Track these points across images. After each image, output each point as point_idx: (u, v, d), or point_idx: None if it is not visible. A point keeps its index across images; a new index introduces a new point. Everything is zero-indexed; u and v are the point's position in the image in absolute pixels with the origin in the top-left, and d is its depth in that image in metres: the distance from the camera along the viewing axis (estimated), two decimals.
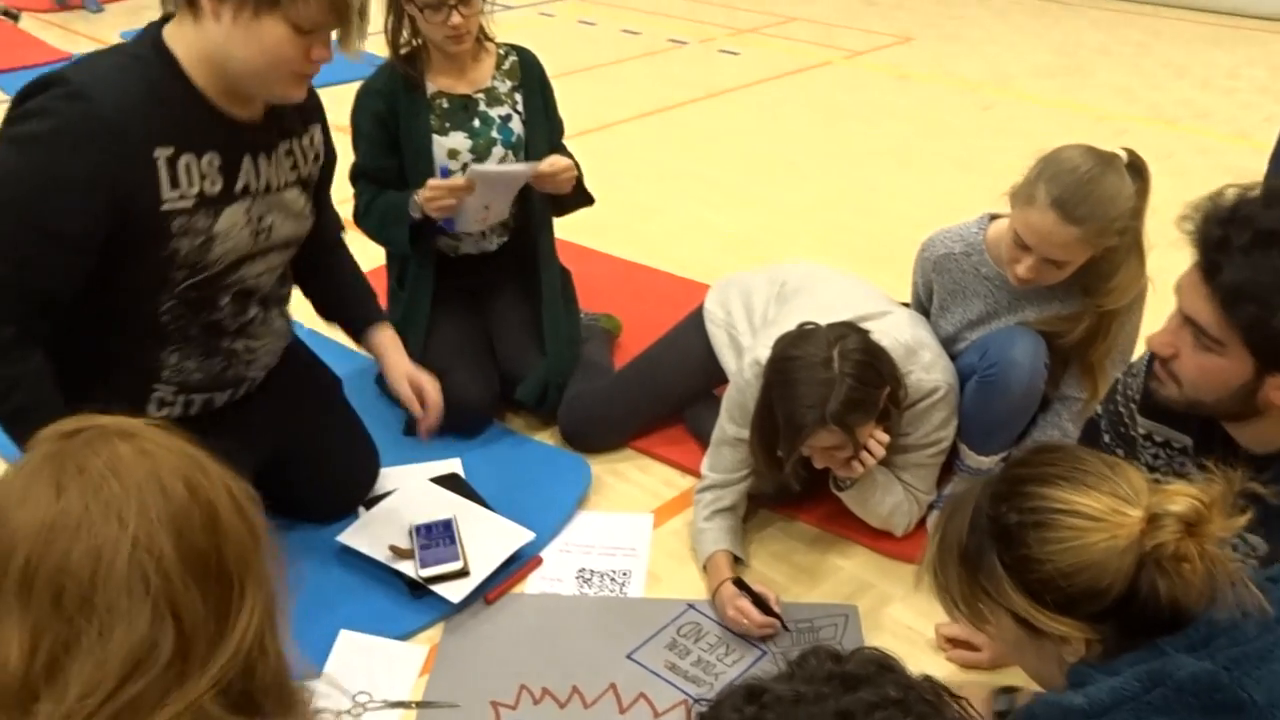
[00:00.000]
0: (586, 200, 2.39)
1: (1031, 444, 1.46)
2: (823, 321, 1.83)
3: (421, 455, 2.24)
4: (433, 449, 2.27)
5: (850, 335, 1.77)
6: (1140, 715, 0.96)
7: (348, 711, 1.69)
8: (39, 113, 1.46)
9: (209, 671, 0.73)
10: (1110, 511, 1.02)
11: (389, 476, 2.15)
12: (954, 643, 1.80)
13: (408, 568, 1.90)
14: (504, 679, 1.76)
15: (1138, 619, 1.01)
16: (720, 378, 2.19)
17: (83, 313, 1.58)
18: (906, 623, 1.88)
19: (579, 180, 2.31)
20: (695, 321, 2.27)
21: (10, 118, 1.50)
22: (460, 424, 2.29)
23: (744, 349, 2.06)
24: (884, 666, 0.76)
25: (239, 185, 1.64)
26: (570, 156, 2.31)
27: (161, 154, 1.53)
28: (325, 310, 2.06)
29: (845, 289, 2.08)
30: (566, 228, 2.52)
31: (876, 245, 3.27)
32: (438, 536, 1.95)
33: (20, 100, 1.50)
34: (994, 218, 1.99)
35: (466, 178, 2.13)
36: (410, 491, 2.10)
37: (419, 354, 2.29)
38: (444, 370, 2.24)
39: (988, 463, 2.00)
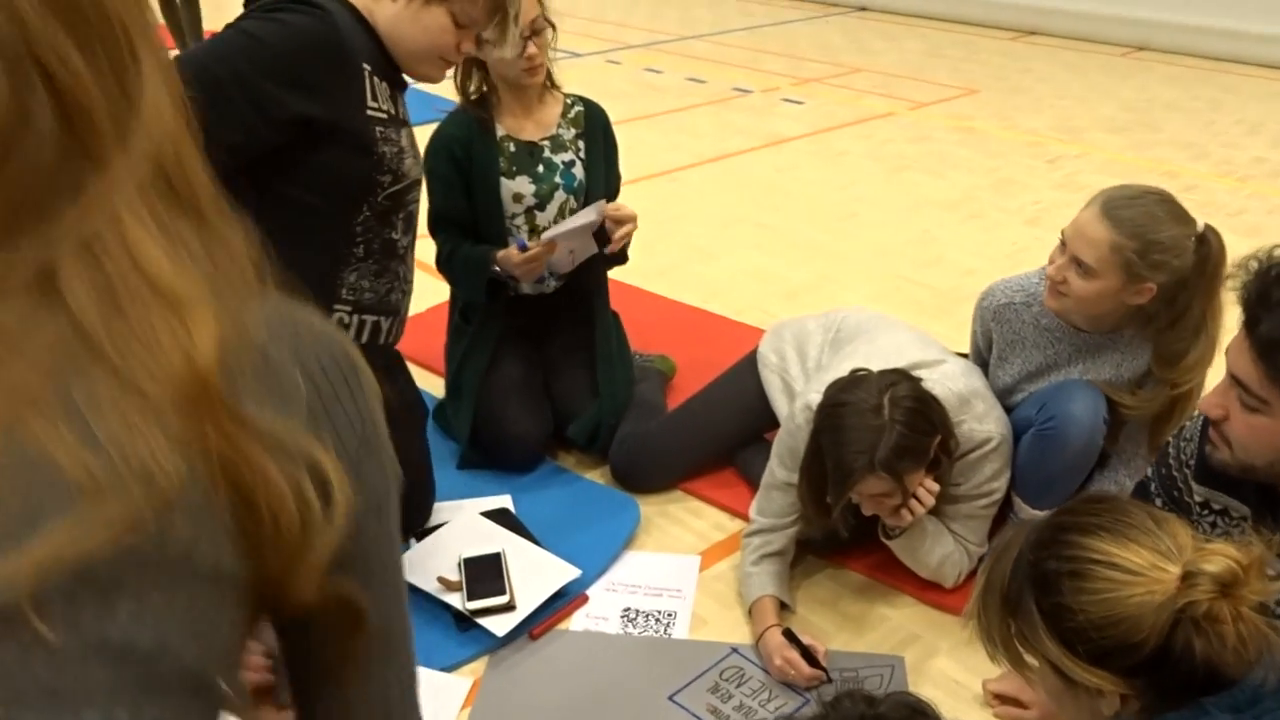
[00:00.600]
0: (622, 259, 2.42)
1: (1083, 494, 1.44)
2: (876, 369, 1.83)
3: (473, 490, 2.28)
4: (485, 484, 2.31)
5: (902, 383, 1.77)
6: None
7: None
8: (289, 8, 1.64)
9: (131, 151, 0.54)
10: (1149, 566, 1.00)
11: (441, 510, 2.18)
12: (1001, 699, 1.77)
13: (455, 600, 1.92)
14: (546, 715, 1.76)
15: (1172, 677, 0.99)
16: (772, 422, 2.19)
17: (285, 224, 1.60)
18: (953, 676, 1.85)
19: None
20: (749, 365, 2.28)
21: (264, 6, 1.66)
22: (512, 459, 2.33)
23: (796, 394, 2.07)
24: (916, 710, 0.76)
25: (401, 115, 1.85)
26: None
27: (366, 67, 1.73)
28: None
29: (900, 337, 2.08)
30: (625, 270, 2.55)
31: (936, 297, 3.26)
32: (486, 570, 1.97)
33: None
34: None
35: (544, 242, 2.17)
36: (461, 525, 2.12)
37: (477, 389, 2.33)
38: (499, 405, 2.28)
39: (1041, 516, 1.96)
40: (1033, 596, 1.07)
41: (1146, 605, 0.99)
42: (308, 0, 1.65)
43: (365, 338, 1.87)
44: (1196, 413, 1.45)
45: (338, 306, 1.83)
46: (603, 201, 2.25)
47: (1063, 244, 1.81)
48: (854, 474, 1.72)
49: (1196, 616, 0.98)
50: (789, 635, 1.83)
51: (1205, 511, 1.42)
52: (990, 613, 1.13)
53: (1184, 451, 1.45)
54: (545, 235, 2.19)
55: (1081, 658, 1.03)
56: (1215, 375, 1.78)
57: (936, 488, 1.81)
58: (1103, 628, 1.01)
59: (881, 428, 1.71)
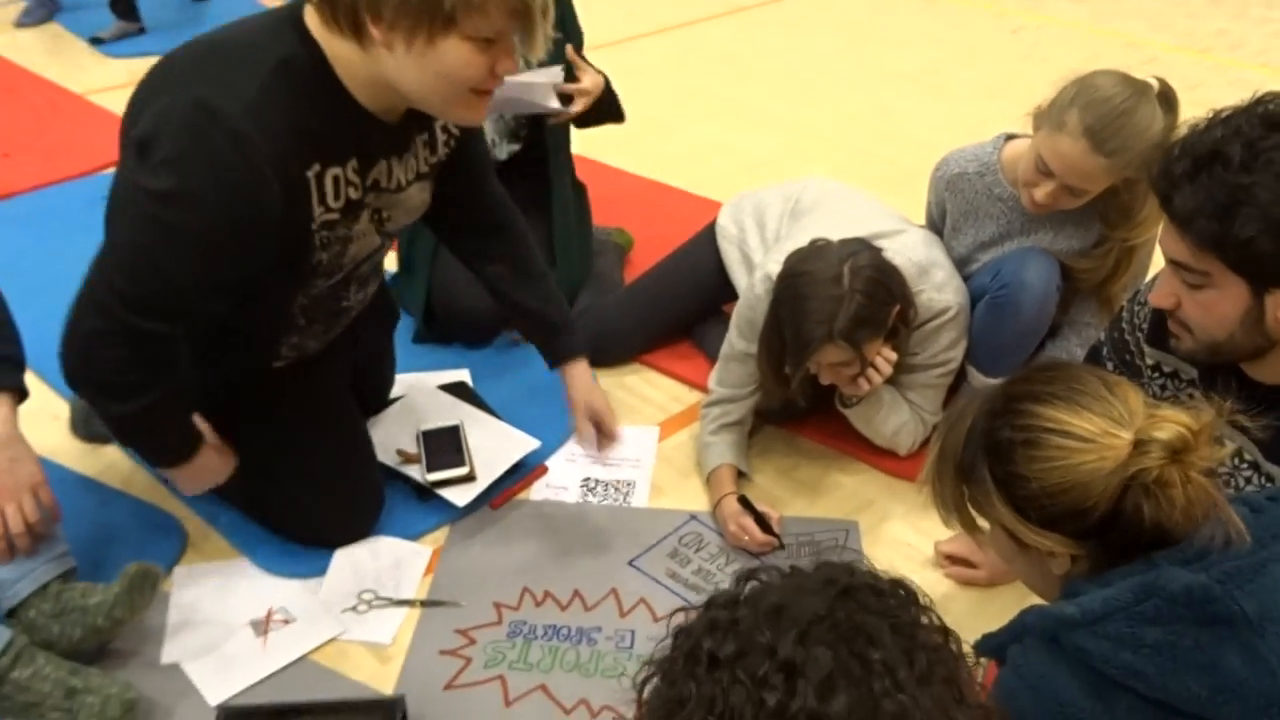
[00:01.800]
0: (617, 116, 2.34)
1: (1035, 362, 1.45)
2: (835, 238, 1.82)
3: (430, 364, 2.26)
4: (441, 358, 2.29)
5: (862, 252, 1.76)
6: (1132, 625, 0.97)
7: (353, 608, 1.72)
8: (189, 155, 1.32)
9: None
10: (1101, 433, 1.01)
11: (398, 383, 2.16)
12: (953, 560, 1.82)
13: (415, 472, 1.92)
14: (507, 581, 1.78)
15: (1121, 538, 1.01)
16: (730, 294, 2.18)
17: (207, 337, 1.60)
18: (906, 539, 1.90)
19: (611, 95, 2.28)
20: (707, 237, 2.26)
21: (155, 157, 1.33)
22: (469, 333, 2.31)
23: (755, 265, 2.05)
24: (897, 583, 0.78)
25: (369, 183, 1.54)
26: (594, 68, 2.27)
27: (312, 173, 1.43)
28: (522, 328, 2.01)
29: (860, 207, 2.06)
30: (581, 142, 2.49)
31: (895, 170, 3.23)
32: (444, 443, 1.97)
33: (160, 128, 1.33)
34: (1010, 138, 1.96)
35: None
36: (418, 398, 2.11)
37: (430, 262, 2.29)
38: (452, 280, 2.24)
39: (994, 384, 1.99)
40: (986, 464, 1.08)
41: (1097, 472, 1.00)
42: (221, 131, 1.31)
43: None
44: (1152, 277, 1.45)
45: (278, 362, 1.74)
46: (559, 69, 2.18)
47: (1043, 168, 1.77)
48: (813, 343, 1.72)
49: (1147, 482, 0.99)
50: (744, 502, 1.86)
51: (1155, 374, 1.44)
52: (944, 479, 1.14)
53: (1137, 315, 1.46)
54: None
55: (1033, 522, 1.05)
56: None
57: (894, 357, 1.82)
58: (1054, 494, 1.02)
59: (841, 297, 1.71)
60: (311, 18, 1.39)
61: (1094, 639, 0.98)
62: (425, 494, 1.91)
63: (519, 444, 2.00)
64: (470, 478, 1.91)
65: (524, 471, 2.00)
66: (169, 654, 1.63)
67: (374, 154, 1.52)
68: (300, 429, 1.73)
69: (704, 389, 2.16)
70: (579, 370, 1.85)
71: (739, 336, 1.95)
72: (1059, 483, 1.02)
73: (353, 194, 1.51)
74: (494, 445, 1.99)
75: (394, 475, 1.93)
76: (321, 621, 1.70)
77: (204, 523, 1.88)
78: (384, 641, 1.67)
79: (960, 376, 2.03)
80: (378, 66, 1.38)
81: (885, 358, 1.81)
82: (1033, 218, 1.89)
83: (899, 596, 0.80)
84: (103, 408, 1.52)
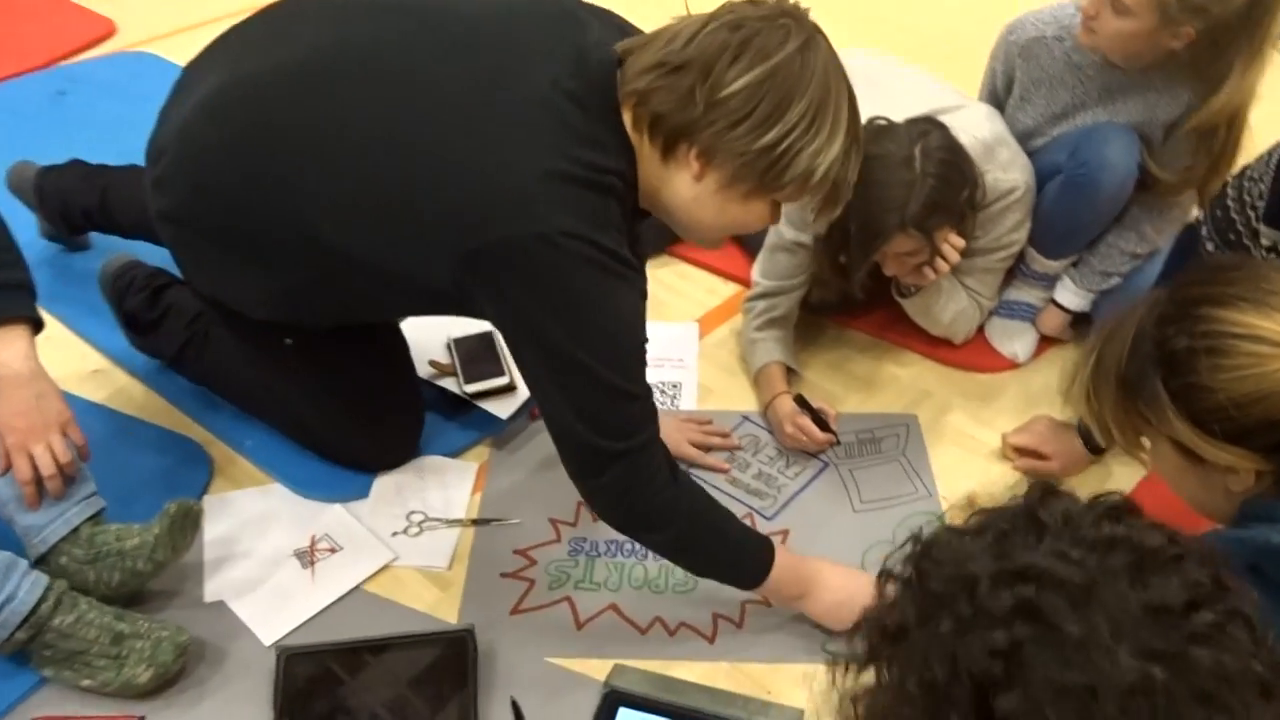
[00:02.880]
0: None
1: (1208, 261, 1.34)
2: (895, 117, 1.68)
3: None
4: None
5: (933, 132, 1.63)
6: None
7: (403, 531, 1.63)
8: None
9: None
10: None
11: None
12: (1021, 452, 1.75)
13: (451, 384, 1.80)
14: (560, 495, 1.68)
15: None
16: None
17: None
18: (969, 432, 1.83)
19: None
20: None
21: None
22: None
23: None
24: (1168, 537, 0.65)
25: None
26: None
27: None
28: None
29: (912, 80, 1.91)
30: None
31: (925, 41, 3.02)
32: (479, 351, 1.85)
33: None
34: None
35: None
36: None
37: None
38: None
39: (1056, 267, 1.90)
40: (1158, 376, 0.99)
41: None
42: (626, 261, 1.28)
43: None
44: (1266, 153, 1.35)
45: None
46: None
47: None
48: (884, 233, 1.60)
49: None
50: (800, 401, 1.77)
51: (1271, 255, 1.34)
52: (1103, 395, 1.05)
53: (1248, 193, 1.36)
54: None
55: (1217, 436, 0.96)
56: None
57: (962, 243, 1.71)
58: (1244, 405, 0.93)
59: (913, 182, 1.58)
60: (626, 113, 1.28)
61: None
62: (464, 407, 1.80)
63: None
64: (511, 387, 1.80)
65: None
66: (212, 591, 1.53)
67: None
68: (341, 340, 1.60)
69: (741, 281, 2.06)
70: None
71: (788, 225, 1.82)
72: (1250, 392, 0.93)
73: None
74: None
75: (429, 388, 1.82)
76: (371, 548, 1.60)
77: (229, 448, 1.76)
78: (441, 566, 1.58)
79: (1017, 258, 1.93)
80: (671, 187, 1.31)
81: (953, 244, 1.69)
82: (1109, 87, 1.74)
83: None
84: None
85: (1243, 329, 0.94)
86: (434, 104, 1.27)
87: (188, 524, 1.46)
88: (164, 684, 1.39)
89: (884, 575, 0.70)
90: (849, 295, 1.85)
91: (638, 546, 1.61)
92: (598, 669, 1.44)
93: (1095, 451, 1.71)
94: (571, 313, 1.25)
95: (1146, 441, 1.06)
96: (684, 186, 1.30)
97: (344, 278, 1.38)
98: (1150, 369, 0.99)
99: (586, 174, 1.23)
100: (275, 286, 1.44)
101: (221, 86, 1.38)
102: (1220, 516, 1.04)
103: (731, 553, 1.41)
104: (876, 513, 1.68)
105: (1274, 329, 0.93)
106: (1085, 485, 1.72)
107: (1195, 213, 1.47)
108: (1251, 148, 1.62)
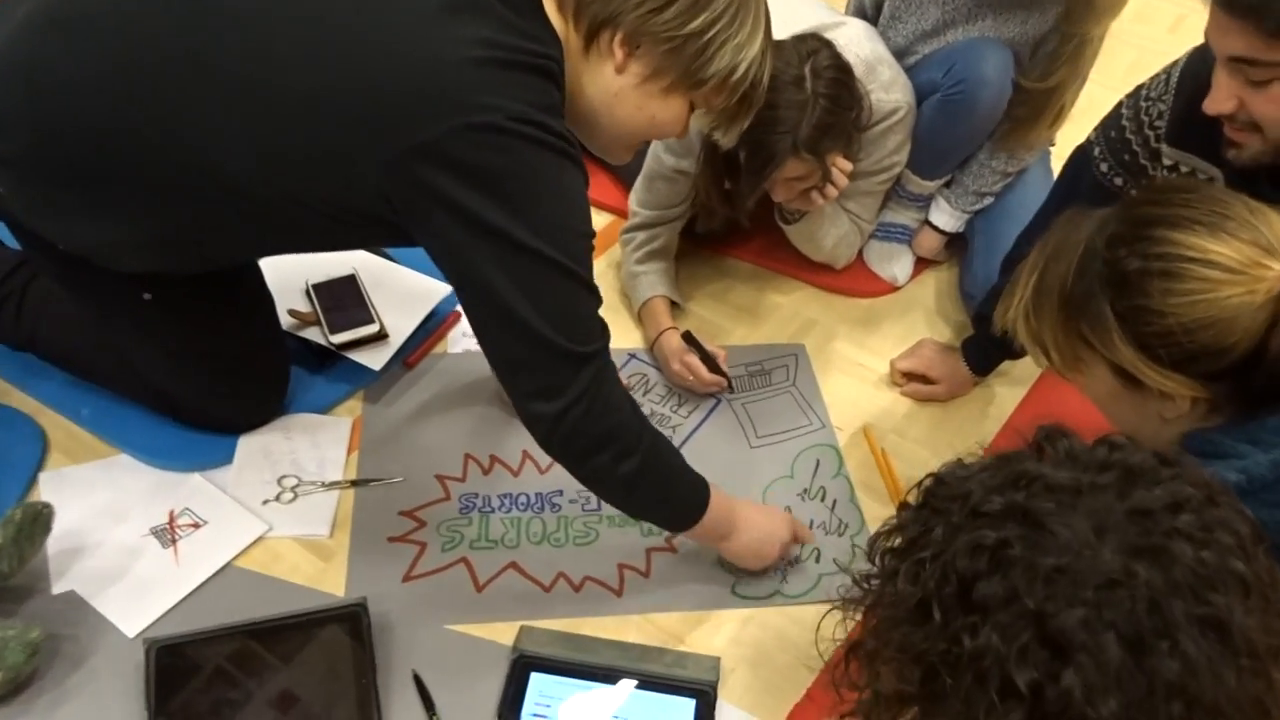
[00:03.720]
0: None
1: (1160, 180, 1.31)
2: (777, 33, 1.60)
3: None
4: None
5: (821, 50, 1.56)
6: None
7: (275, 498, 1.49)
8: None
9: None
10: (1249, 263, 0.90)
11: None
12: (909, 376, 1.74)
13: (315, 335, 1.65)
14: (445, 450, 1.59)
15: (1259, 379, 0.93)
16: None
17: None
18: (857, 359, 1.81)
19: None
20: None
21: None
22: None
23: None
24: (1161, 460, 0.65)
25: None
26: None
27: None
28: None
29: None
30: None
31: None
32: (343, 296, 1.70)
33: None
34: None
35: None
36: None
37: None
38: None
39: (931, 188, 1.88)
40: (1107, 298, 0.96)
41: (1245, 306, 0.90)
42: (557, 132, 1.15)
43: None
44: (1163, 72, 1.34)
45: None
46: None
47: None
48: (776, 157, 1.53)
49: None
50: (688, 339, 1.71)
51: (1173, 175, 1.34)
52: (1043, 315, 1.02)
53: (1145, 113, 1.35)
54: None
55: (1160, 362, 0.94)
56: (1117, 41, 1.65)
57: (849, 167, 1.66)
58: (1193, 331, 0.91)
59: (805, 103, 1.52)
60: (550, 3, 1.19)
61: (1265, 509, 0.89)
62: (331, 359, 1.66)
63: (428, 291, 1.75)
64: (381, 335, 1.66)
65: (436, 321, 1.77)
66: (61, 581, 1.37)
67: None
68: (202, 290, 1.42)
69: (617, 212, 1.97)
70: None
71: (668, 152, 1.74)
72: (1200, 318, 0.91)
73: None
74: (398, 295, 1.74)
75: (291, 339, 1.66)
76: (240, 520, 1.46)
77: (63, 417, 1.57)
78: (321, 534, 1.46)
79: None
80: (593, 82, 1.22)
81: (840, 168, 1.65)
82: (979, 2, 1.71)
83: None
84: None
85: (1197, 252, 0.92)
86: (351, 5, 1.13)
87: (36, 530, 1.30)
88: (18, 687, 1.24)
89: (902, 506, 0.73)
90: (734, 223, 1.78)
91: (532, 498, 1.52)
92: (503, 633, 1.36)
93: (979, 373, 1.72)
94: (529, 201, 1.12)
95: (1090, 363, 1.03)
96: (605, 80, 1.21)
97: (246, 214, 1.22)
98: (1099, 289, 0.96)
99: (525, 58, 1.12)
100: (151, 232, 1.26)
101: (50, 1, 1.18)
102: (1153, 443, 1.04)
103: (680, 488, 1.32)
104: (773, 447, 1.64)
105: (1228, 254, 0.91)
106: (969, 407, 1.73)
107: (1092, 135, 1.46)
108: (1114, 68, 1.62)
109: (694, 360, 1.67)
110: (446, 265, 1.18)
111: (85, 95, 1.16)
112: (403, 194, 1.12)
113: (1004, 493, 0.65)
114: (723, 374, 1.69)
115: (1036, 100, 1.76)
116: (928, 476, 0.72)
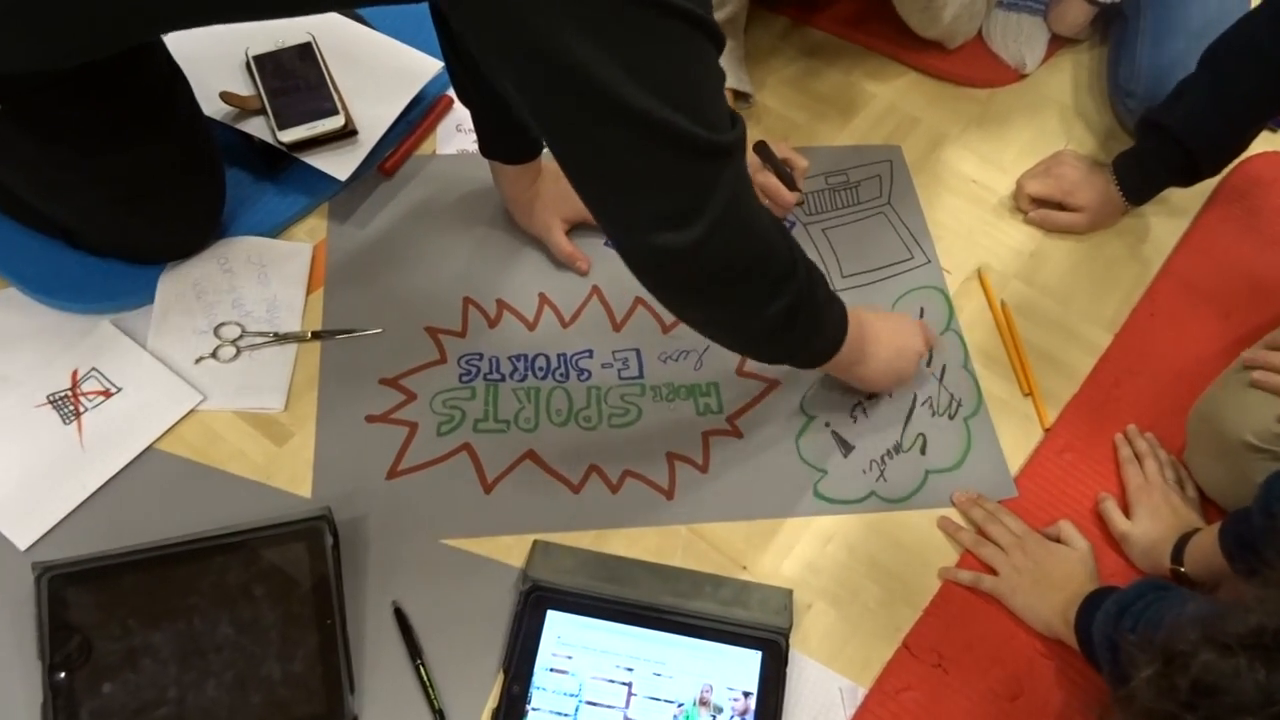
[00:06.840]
0: None
1: None
2: None
3: None
4: None
5: None
6: None
7: (211, 355, 1.12)
8: None
9: None
10: None
11: None
12: (1040, 201, 1.34)
13: (259, 128, 1.23)
14: (437, 292, 1.20)
15: None
16: None
17: None
18: (969, 174, 1.39)
19: None
20: None
21: None
22: None
23: None
24: None
25: None
26: None
27: None
28: None
29: None
30: None
31: None
32: (296, 76, 1.26)
33: None
34: None
35: None
36: None
37: None
38: None
39: None
40: None
41: None
42: None
43: None
44: None
45: None
46: None
47: None
48: None
49: None
50: (762, 151, 1.28)
51: None
52: None
53: None
54: None
55: None
56: None
57: None
58: None
59: None
60: None
61: None
62: (282, 162, 1.24)
63: (412, 68, 1.31)
64: (349, 131, 1.24)
65: (421, 109, 1.34)
66: None
67: None
68: (96, 81, 1.00)
69: None
70: None
71: None
72: None
73: None
74: (374, 73, 1.30)
75: (229, 134, 1.24)
76: (164, 385, 1.10)
77: None
78: (273, 406, 1.10)
79: None
80: None
81: None
82: None
83: None
84: None
85: None
86: None
87: None
88: None
89: None
90: None
91: (554, 361, 1.16)
92: (514, 550, 1.03)
93: (1134, 201, 1.31)
94: None
95: None
96: None
97: None
98: None
99: None
100: None
101: None
102: None
103: (832, 311, 0.99)
104: (866, 288, 1.26)
105: None
106: (1115, 243, 1.33)
107: None
108: None
109: (771, 179, 1.26)
110: (504, 38, 0.75)
111: None
112: None
113: None
114: (798, 189, 1.28)
115: None
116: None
